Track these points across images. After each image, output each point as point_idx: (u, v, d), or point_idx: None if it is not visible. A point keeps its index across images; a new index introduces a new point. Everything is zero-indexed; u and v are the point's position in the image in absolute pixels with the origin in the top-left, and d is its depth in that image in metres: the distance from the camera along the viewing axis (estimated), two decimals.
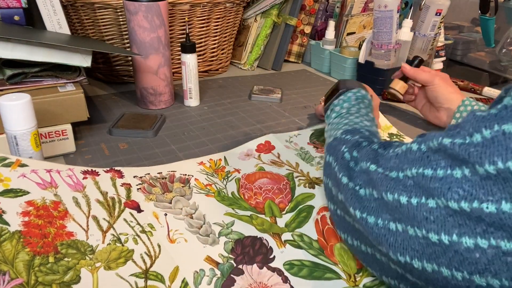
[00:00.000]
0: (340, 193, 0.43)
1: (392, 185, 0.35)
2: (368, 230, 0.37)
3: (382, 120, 0.82)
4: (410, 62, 0.81)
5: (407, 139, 0.77)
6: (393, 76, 0.83)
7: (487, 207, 0.27)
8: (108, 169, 0.56)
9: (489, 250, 0.27)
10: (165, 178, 0.58)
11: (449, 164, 0.31)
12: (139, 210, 0.50)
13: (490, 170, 0.27)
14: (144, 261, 0.43)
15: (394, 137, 0.78)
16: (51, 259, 0.39)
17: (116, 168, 0.57)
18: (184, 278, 0.42)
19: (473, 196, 0.28)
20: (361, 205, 0.38)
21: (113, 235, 0.45)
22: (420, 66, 0.80)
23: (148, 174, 0.58)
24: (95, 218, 0.46)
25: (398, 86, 0.80)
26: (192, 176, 0.59)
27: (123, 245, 0.44)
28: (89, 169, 0.54)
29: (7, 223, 0.41)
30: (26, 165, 0.49)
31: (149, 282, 0.40)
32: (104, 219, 0.47)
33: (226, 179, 0.59)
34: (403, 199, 0.33)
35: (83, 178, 0.52)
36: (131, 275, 0.41)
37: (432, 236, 0.30)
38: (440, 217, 0.30)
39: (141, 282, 0.40)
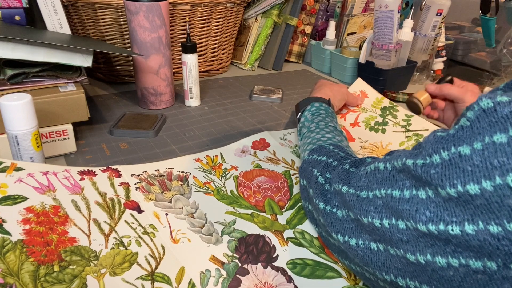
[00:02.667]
0: (320, 217, 0.44)
1: (364, 207, 0.36)
2: (352, 252, 0.38)
3: (373, 93, 0.82)
4: (439, 80, 0.74)
5: (401, 112, 0.77)
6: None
7: (452, 230, 0.27)
8: (105, 168, 0.56)
9: (460, 268, 0.28)
10: (163, 176, 0.58)
11: (414, 184, 0.31)
12: (140, 211, 0.50)
13: (451, 193, 0.27)
14: (149, 263, 0.43)
15: (388, 111, 0.77)
16: (56, 268, 0.39)
17: (113, 166, 0.57)
18: (191, 279, 0.42)
19: (439, 217, 0.28)
20: (341, 227, 0.39)
21: (116, 238, 0.45)
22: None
23: (146, 171, 0.58)
24: (96, 222, 0.46)
25: (422, 97, 0.71)
26: (190, 173, 0.59)
27: (126, 249, 0.44)
28: (86, 169, 0.54)
29: (8, 233, 0.40)
30: (22, 169, 0.48)
31: (156, 284, 0.40)
32: (105, 222, 0.46)
33: (224, 177, 0.59)
34: (377, 222, 0.34)
35: (80, 179, 0.52)
36: (137, 278, 0.41)
37: (410, 256, 0.31)
38: (413, 238, 0.31)
39: (148, 285, 0.40)
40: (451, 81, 0.72)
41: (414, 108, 0.73)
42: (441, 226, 0.28)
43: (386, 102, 0.80)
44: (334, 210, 0.41)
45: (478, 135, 0.27)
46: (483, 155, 0.26)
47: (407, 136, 0.71)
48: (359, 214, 0.36)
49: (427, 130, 0.72)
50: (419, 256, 0.30)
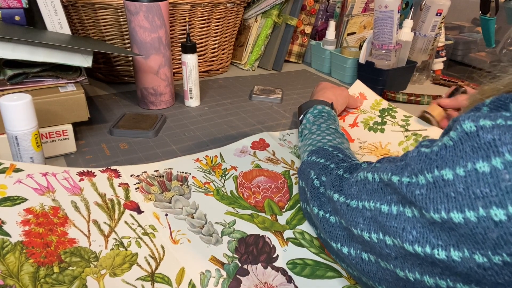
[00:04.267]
0: (315, 220, 0.44)
1: (353, 218, 0.35)
2: (346, 260, 0.37)
3: (371, 96, 0.82)
4: (452, 92, 0.74)
5: (400, 112, 0.77)
6: (432, 102, 0.76)
7: (438, 254, 0.27)
8: (104, 168, 0.56)
9: None
10: (163, 176, 0.58)
11: (400, 201, 0.31)
12: (139, 211, 0.50)
13: (435, 218, 0.27)
14: (149, 264, 0.43)
15: (386, 112, 0.77)
16: (56, 269, 0.39)
17: (112, 167, 0.57)
18: (191, 280, 0.42)
19: (425, 239, 0.28)
20: (333, 233, 0.39)
21: (116, 239, 0.45)
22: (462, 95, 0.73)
23: (145, 172, 0.58)
24: (95, 223, 0.46)
25: (436, 112, 0.72)
26: (190, 174, 0.59)
27: (126, 250, 0.44)
28: (85, 170, 0.54)
29: (8, 234, 0.40)
30: (21, 170, 0.48)
31: (156, 285, 0.40)
32: (105, 222, 0.46)
33: (224, 177, 0.59)
34: (366, 235, 0.34)
35: (80, 180, 0.52)
36: (138, 279, 0.41)
37: (399, 272, 0.31)
38: (400, 255, 0.30)
39: (148, 285, 0.40)
40: (464, 92, 0.73)
41: (428, 121, 0.74)
42: (427, 249, 0.28)
43: (384, 104, 0.80)
44: (327, 215, 0.41)
45: (460, 159, 0.26)
46: (465, 182, 0.25)
47: (406, 136, 0.71)
48: (350, 224, 0.36)
49: (426, 129, 0.72)
50: (408, 273, 0.30)
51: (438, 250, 0.27)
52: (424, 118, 0.74)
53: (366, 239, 0.34)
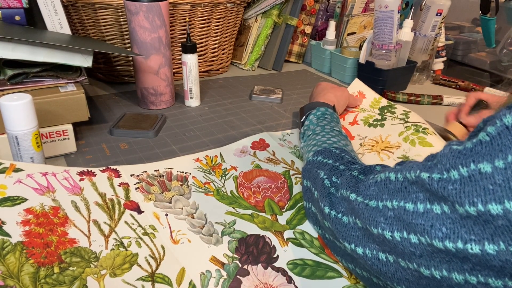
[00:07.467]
0: (325, 220, 0.43)
1: (373, 217, 0.35)
2: (361, 260, 0.37)
3: (370, 94, 0.82)
4: (474, 107, 0.72)
5: (399, 108, 0.76)
6: (448, 115, 0.74)
7: (471, 248, 0.27)
8: (104, 168, 0.56)
9: (479, 286, 0.27)
10: (163, 176, 0.58)
11: (428, 198, 0.30)
12: (140, 211, 0.50)
13: (470, 211, 0.26)
14: (149, 264, 0.43)
15: (386, 109, 0.77)
16: (56, 270, 0.39)
17: (113, 167, 0.57)
18: (191, 280, 0.42)
19: (456, 234, 0.28)
20: (347, 234, 0.39)
21: (116, 239, 0.45)
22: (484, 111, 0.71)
23: (145, 172, 0.58)
24: (96, 223, 0.46)
25: (457, 129, 0.71)
26: (190, 173, 0.59)
27: (126, 250, 0.44)
28: (85, 169, 0.54)
29: (8, 235, 0.40)
30: (21, 170, 0.48)
31: (156, 285, 0.40)
32: (105, 222, 0.46)
33: (224, 177, 0.59)
34: (387, 234, 0.33)
35: (80, 180, 0.52)
36: (138, 279, 0.41)
37: (424, 271, 0.30)
38: (427, 253, 0.30)
39: (148, 286, 0.40)
40: (486, 107, 0.71)
41: (448, 139, 0.71)
42: (459, 244, 0.27)
43: (384, 102, 0.80)
44: (339, 215, 0.41)
45: (499, 153, 0.25)
46: (505, 174, 0.25)
47: (406, 127, 0.71)
48: (368, 224, 0.35)
49: (425, 123, 0.71)
50: (434, 271, 0.30)
51: (471, 245, 0.27)
52: (445, 137, 0.71)
53: (388, 238, 0.33)
